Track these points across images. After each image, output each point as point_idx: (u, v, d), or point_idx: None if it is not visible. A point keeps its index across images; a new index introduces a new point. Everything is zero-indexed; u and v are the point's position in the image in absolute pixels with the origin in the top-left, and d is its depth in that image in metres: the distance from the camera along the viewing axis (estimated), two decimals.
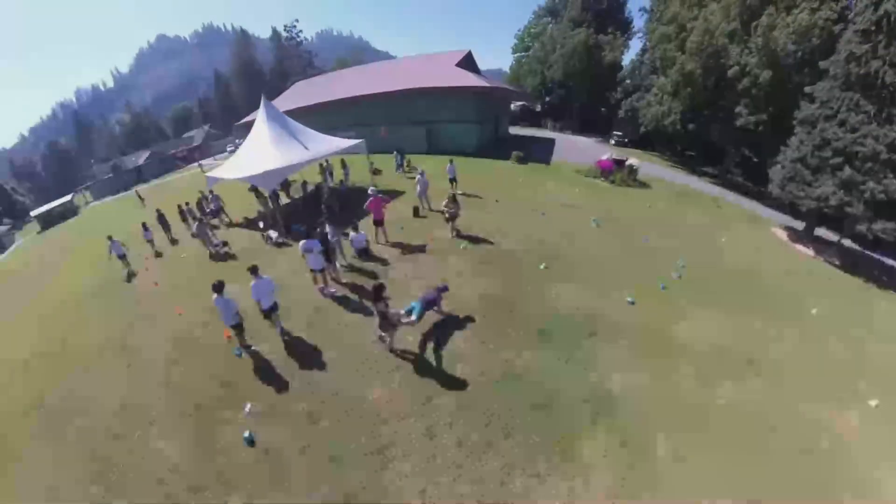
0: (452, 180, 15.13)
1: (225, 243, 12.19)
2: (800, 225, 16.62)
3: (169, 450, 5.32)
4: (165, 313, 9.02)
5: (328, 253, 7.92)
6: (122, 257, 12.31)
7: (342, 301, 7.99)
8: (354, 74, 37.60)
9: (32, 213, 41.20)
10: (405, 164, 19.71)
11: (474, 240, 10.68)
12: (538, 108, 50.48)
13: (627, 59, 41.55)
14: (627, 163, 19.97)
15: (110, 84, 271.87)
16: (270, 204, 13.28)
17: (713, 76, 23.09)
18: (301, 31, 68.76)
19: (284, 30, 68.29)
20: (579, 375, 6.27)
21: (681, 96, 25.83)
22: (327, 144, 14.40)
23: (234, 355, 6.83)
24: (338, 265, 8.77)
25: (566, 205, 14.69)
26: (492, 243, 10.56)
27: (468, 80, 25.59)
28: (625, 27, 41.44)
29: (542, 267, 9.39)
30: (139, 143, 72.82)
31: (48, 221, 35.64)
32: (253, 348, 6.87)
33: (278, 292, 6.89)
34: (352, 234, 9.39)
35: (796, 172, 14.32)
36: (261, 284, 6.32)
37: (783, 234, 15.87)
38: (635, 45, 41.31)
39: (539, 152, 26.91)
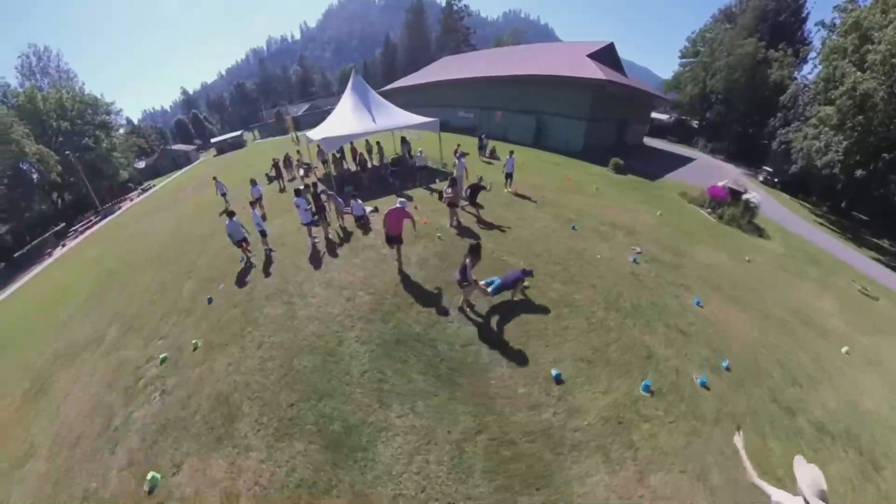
0: (508, 175, 15.60)
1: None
2: None
3: (185, 291, 11.14)
4: None
5: (318, 211, 11.78)
6: (224, 195, 18.61)
7: (314, 250, 11.41)
8: (491, 56, 41.01)
9: (213, 140, 60.82)
10: (488, 149, 22.89)
11: (463, 233, 11.52)
12: (695, 123, 46.68)
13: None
14: (744, 196, 17.68)
15: (297, 37, 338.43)
16: (332, 166, 18.17)
17: None
18: (467, 5, 75.89)
19: (450, 3, 75.97)
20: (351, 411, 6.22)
21: (846, 128, 20.83)
22: (396, 119, 17.40)
23: (240, 262, 11.83)
24: (330, 224, 12.22)
25: (620, 227, 13.41)
26: (473, 242, 11.74)
27: (584, 70, 25.44)
28: (799, 48, 38.41)
29: None
30: (305, 95, 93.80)
31: (222, 149, 51.62)
32: (252, 260, 11.76)
33: (293, 234, 12.42)
34: (352, 202, 12.81)
35: None
36: (255, 216, 11.46)
37: None
38: (806, 69, 37.33)
39: (655, 167, 25.94)
